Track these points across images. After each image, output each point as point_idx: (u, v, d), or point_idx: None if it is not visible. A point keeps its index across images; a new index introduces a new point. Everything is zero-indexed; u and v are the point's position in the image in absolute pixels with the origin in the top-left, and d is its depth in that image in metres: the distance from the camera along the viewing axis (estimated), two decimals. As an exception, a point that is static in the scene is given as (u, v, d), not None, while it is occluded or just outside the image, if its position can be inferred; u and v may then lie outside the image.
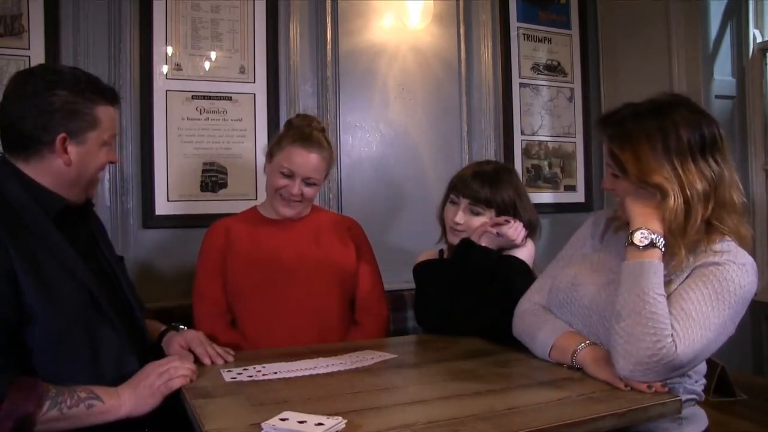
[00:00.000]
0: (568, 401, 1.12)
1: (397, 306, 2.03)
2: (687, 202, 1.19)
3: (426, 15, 2.69)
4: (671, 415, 1.17)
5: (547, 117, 3.07)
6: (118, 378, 1.27)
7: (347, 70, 2.64)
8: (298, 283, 1.79)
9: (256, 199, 2.44)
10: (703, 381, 1.34)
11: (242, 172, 2.48)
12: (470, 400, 1.13)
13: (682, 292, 1.18)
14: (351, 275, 1.88)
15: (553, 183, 3.09)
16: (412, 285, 1.90)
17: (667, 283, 1.19)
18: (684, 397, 1.22)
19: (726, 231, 1.23)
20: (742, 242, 1.24)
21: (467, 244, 1.73)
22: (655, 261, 1.18)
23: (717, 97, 2.73)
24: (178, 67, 2.40)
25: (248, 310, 1.80)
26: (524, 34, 3.03)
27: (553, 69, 3.10)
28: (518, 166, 2.97)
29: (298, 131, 1.82)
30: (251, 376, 1.30)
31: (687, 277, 1.21)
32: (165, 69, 2.38)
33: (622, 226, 1.34)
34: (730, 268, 1.19)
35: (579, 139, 3.13)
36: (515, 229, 1.72)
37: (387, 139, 2.72)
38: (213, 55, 2.45)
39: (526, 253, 1.75)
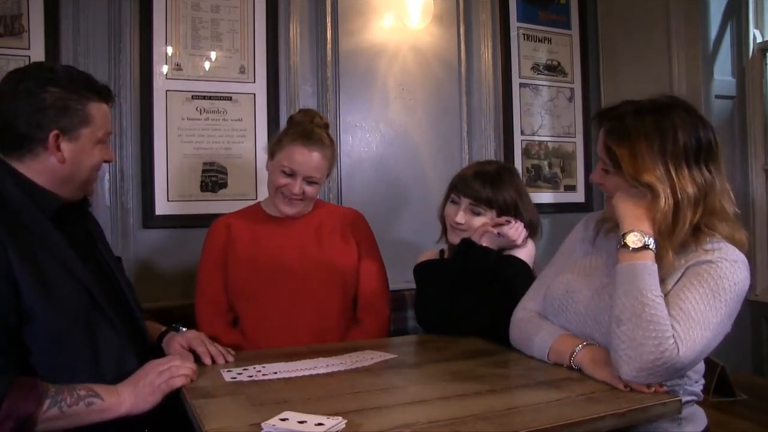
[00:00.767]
0: (568, 401, 1.12)
1: (397, 306, 2.03)
2: (677, 204, 1.19)
3: (426, 15, 2.69)
4: (671, 415, 1.17)
5: (547, 117, 3.07)
6: (118, 378, 1.27)
7: (347, 70, 2.64)
8: (298, 283, 1.79)
9: (256, 199, 2.43)
10: (702, 381, 1.34)
11: (242, 172, 2.48)
12: (470, 400, 1.13)
13: (679, 293, 1.17)
14: (353, 274, 1.88)
15: (553, 183, 3.09)
16: (413, 285, 1.90)
17: (660, 282, 1.19)
18: (683, 399, 1.22)
19: (719, 237, 1.23)
20: (739, 248, 1.24)
21: (468, 244, 1.73)
22: (648, 262, 1.18)
23: (717, 97, 2.73)
24: (178, 67, 2.40)
25: (248, 310, 1.80)
26: (524, 34, 3.03)
27: (553, 69, 3.10)
28: (518, 166, 2.97)
29: (300, 129, 1.80)
30: (251, 376, 1.30)
31: (681, 277, 1.20)
32: (165, 69, 2.38)
33: (612, 228, 1.33)
34: (723, 265, 1.19)
35: (579, 139, 3.14)
36: (516, 230, 1.72)
37: (387, 139, 2.72)
38: (213, 55, 2.45)
39: (526, 253, 1.75)
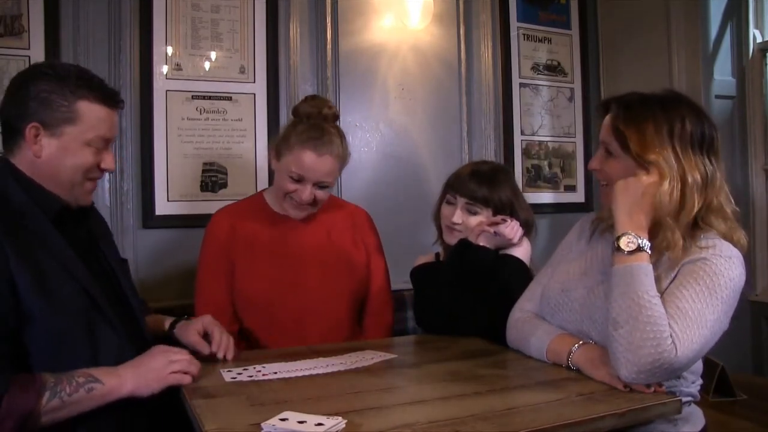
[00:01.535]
0: (568, 401, 1.12)
1: (397, 306, 2.02)
2: (683, 187, 1.20)
3: (426, 15, 2.69)
4: (671, 415, 1.17)
5: (547, 117, 3.07)
6: (118, 378, 1.26)
7: (347, 70, 2.64)
8: (308, 292, 1.74)
9: (256, 199, 2.43)
10: (699, 382, 1.33)
11: (242, 172, 2.48)
12: (470, 400, 1.13)
13: (675, 291, 1.17)
14: (363, 283, 1.85)
15: (553, 183, 3.09)
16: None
17: (656, 281, 1.18)
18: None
19: (714, 233, 1.23)
20: (737, 248, 1.24)
21: (465, 245, 1.73)
22: (643, 264, 1.17)
23: (717, 97, 2.73)
24: (178, 67, 2.40)
25: (257, 319, 1.75)
26: (524, 34, 3.03)
27: (553, 69, 3.10)
28: (518, 166, 2.98)
29: (308, 128, 1.69)
30: (251, 376, 1.30)
31: (676, 275, 1.20)
32: (165, 69, 2.38)
33: (607, 228, 1.33)
34: (718, 261, 1.18)
35: (579, 139, 3.14)
36: (512, 228, 1.72)
37: (387, 139, 2.72)
38: (213, 55, 2.45)
39: (522, 251, 1.75)
